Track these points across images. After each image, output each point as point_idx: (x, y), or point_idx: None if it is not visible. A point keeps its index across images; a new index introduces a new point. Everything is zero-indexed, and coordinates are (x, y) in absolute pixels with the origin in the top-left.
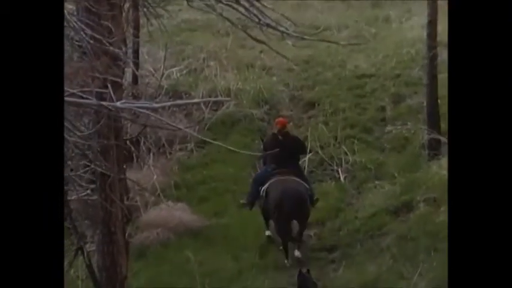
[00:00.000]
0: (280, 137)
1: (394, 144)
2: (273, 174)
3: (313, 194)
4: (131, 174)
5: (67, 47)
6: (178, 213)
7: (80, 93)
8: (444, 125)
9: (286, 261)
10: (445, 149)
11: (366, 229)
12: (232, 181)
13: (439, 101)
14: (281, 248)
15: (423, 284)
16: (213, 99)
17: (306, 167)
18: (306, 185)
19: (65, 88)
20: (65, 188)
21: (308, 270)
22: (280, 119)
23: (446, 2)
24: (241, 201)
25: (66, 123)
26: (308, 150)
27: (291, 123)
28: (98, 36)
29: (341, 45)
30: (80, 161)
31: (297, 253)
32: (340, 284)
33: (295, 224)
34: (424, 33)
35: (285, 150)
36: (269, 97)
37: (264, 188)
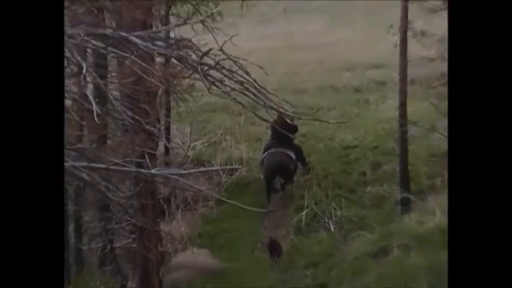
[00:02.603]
0: (279, 121)
1: (374, 202)
2: (270, 147)
3: (303, 159)
4: (164, 227)
5: (112, 125)
6: (201, 257)
7: (122, 163)
8: (414, 186)
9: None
10: (414, 205)
11: (352, 269)
12: (245, 232)
13: (409, 167)
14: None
15: None
16: (229, 167)
17: (304, 220)
18: (292, 155)
19: (110, 158)
20: (111, 237)
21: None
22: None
23: (415, 88)
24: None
25: (111, 186)
26: (296, 133)
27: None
28: (137, 117)
29: (330, 123)
30: (122, 216)
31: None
32: None
33: (277, 179)
34: (396, 113)
35: (280, 130)
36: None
37: (263, 156)
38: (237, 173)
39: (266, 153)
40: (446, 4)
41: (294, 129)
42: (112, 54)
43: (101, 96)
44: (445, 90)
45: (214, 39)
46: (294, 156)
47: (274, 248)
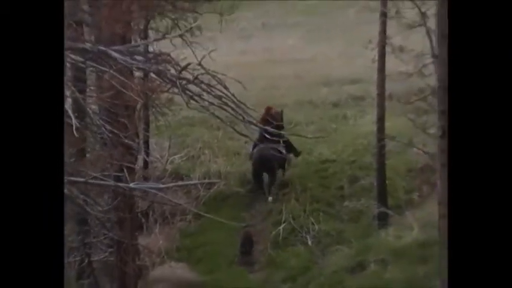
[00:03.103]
0: (266, 116)
1: (351, 216)
2: (258, 144)
3: (295, 151)
4: (141, 240)
5: (90, 138)
6: (179, 271)
7: (100, 176)
8: (391, 201)
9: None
10: (391, 220)
11: (329, 283)
12: (223, 245)
13: (386, 181)
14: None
15: None
16: (207, 180)
17: (281, 234)
18: (280, 149)
19: (89, 172)
20: (89, 251)
21: None
22: (266, 107)
23: (393, 103)
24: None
25: (89, 200)
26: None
27: None
28: (115, 131)
29: (309, 138)
30: (100, 230)
31: (270, 199)
32: None
33: (265, 176)
34: (374, 128)
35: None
36: (251, 179)
37: (252, 152)
38: (215, 187)
39: (255, 149)
40: (424, 20)
41: (280, 121)
42: (91, 68)
43: (80, 110)
44: (422, 105)
45: (193, 53)
46: (284, 151)
47: (246, 240)
